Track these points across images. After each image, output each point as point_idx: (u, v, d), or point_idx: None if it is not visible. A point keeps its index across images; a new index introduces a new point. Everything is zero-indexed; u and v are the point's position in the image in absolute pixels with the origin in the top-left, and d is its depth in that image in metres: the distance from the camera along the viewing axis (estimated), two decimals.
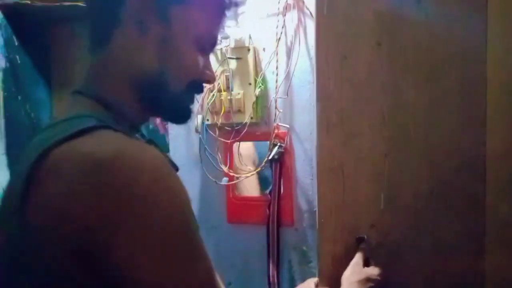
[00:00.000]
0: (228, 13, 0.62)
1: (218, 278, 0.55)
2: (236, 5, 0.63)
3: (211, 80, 0.63)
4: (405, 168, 0.83)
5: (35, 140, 0.51)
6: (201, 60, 0.60)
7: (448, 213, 0.82)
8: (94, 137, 0.47)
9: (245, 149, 1.27)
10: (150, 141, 0.63)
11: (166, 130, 1.35)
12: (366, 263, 0.83)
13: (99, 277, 0.44)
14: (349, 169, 0.85)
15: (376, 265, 0.82)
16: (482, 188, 0.80)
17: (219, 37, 0.65)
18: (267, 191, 1.18)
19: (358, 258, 0.83)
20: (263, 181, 1.27)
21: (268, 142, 1.14)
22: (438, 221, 0.82)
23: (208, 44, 0.61)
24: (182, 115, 0.63)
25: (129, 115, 0.59)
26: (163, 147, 1.40)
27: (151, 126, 1.40)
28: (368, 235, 0.85)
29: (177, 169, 0.56)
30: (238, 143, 1.20)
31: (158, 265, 0.45)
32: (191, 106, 0.63)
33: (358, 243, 0.84)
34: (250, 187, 1.26)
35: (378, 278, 0.79)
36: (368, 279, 0.79)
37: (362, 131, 0.84)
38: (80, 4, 1.43)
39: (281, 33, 1.11)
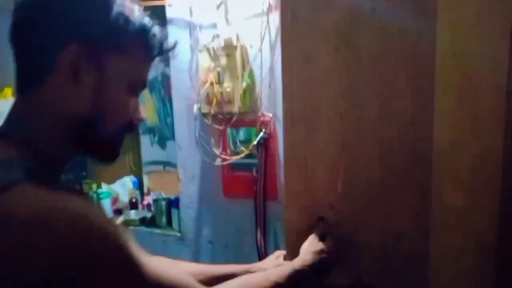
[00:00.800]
0: (157, 59, 0.62)
1: (173, 276, 0.58)
2: (165, 53, 0.62)
3: (140, 120, 0.62)
4: (359, 159, 0.88)
5: None
6: (132, 102, 0.59)
7: (397, 198, 0.86)
8: (17, 195, 0.46)
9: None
10: (74, 190, 0.61)
11: None
12: (323, 239, 0.89)
13: None
14: (311, 160, 0.91)
15: (331, 240, 0.90)
16: (427, 176, 0.85)
17: (147, 79, 0.63)
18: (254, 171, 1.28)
19: (315, 233, 0.88)
20: None
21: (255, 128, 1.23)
22: (388, 205, 0.87)
23: (139, 88, 0.61)
24: (111, 156, 0.61)
25: (57, 156, 0.57)
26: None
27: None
28: (326, 215, 0.92)
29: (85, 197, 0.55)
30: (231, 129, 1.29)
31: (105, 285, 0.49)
32: (120, 147, 0.61)
33: (318, 222, 0.93)
34: None
35: (330, 251, 0.85)
36: (322, 251, 0.84)
37: (322, 127, 0.90)
38: None
39: (265, 31, 1.16)
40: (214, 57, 1.21)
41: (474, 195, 0.82)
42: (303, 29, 0.88)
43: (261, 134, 1.19)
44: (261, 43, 1.16)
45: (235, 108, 1.20)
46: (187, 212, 1.39)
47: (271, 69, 1.17)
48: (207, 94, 1.22)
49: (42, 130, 0.55)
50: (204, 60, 1.23)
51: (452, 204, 0.86)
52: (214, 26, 1.23)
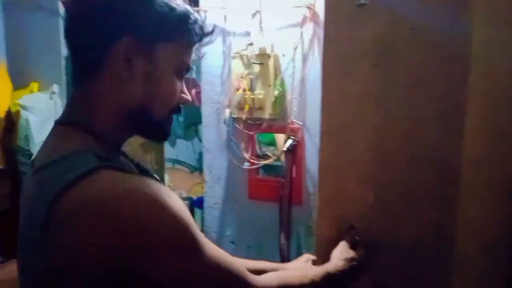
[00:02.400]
0: (199, 43, 0.65)
1: (232, 261, 0.61)
2: (206, 36, 0.65)
3: (187, 101, 0.66)
4: (391, 171, 0.91)
5: (45, 175, 0.53)
6: (179, 86, 0.63)
7: (424, 211, 0.90)
8: (98, 179, 0.50)
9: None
10: (138, 165, 0.66)
11: (200, 103, 1.44)
12: (354, 247, 0.92)
13: (127, 281, 0.52)
14: (344, 170, 0.94)
15: (362, 248, 0.92)
16: (455, 190, 0.88)
17: (191, 63, 0.66)
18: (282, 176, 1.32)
19: (345, 241, 0.91)
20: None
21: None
22: (415, 218, 0.90)
23: (184, 71, 0.64)
24: (163, 136, 0.66)
25: (115, 140, 0.61)
26: (197, 117, 1.51)
27: None
28: (357, 224, 0.96)
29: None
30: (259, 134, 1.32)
31: (168, 262, 0.53)
32: (170, 127, 0.66)
33: (349, 230, 0.97)
34: None
35: (361, 259, 0.88)
36: (353, 259, 0.88)
37: (357, 139, 0.93)
38: None
39: (299, 42, 1.19)
40: (247, 64, 1.24)
41: (495, 208, 0.85)
42: (344, 44, 0.92)
43: (290, 141, 1.23)
44: (294, 53, 1.20)
45: (266, 114, 1.24)
46: (211, 212, 1.43)
47: (303, 79, 1.20)
48: (239, 100, 1.25)
49: (101, 118, 0.58)
50: (237, 67, 1.26)
51: (475, 216, 0.89)
52: (247, 34, 1.26)
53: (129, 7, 0.57)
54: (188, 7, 0.61)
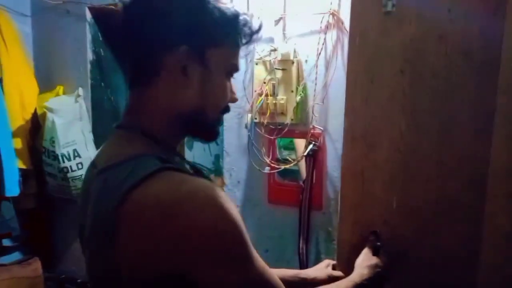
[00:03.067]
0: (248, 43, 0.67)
1: (272, 272, 0.60)
2: (254, 35, 0.66)
3: (235, 100, 0.68)
4: (417, 178, 0.91)
5: (109, 177, 0.56)
6: (229, 86, 0.65)
7: (450, 221, 0.89)
8: (161, 180, 0.52)
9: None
10: (196, 169, 0.69)
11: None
12: (377, 253, 0.92)
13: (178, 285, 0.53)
14: (368, 175, 0.95)
15: (384, 255, 0.92)
16: (480, 200, 0.87)
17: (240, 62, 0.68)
18: (302, 181, 1.32)
19: (369, 248, 0.92)
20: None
21: (305, 140, 1.27)
22: (440, 226, 0.89)
23: (234, 72, 0.66)
24: (214, 136, 0.69)
25: (170, 143, 0.63)
26: None
27: None
28: (380, 230, 0.95)
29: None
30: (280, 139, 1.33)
31: (226, 272, 0.53)
32: (219, 127, 0.69)
33: (371, 236, 0.96)
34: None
35: (385, 266, 0.88)
36: (376, 265, 0.87)
37: (381, 144, 0.93)
38: None
39: (322, 48, 1.20)
40: (270, 70, 1.25)
41: None
42: (370, 51, 0.92)
43: (311, 146, 1.23)
44: (317, 59, 1.20)
45: (288, 119, 1.25)
46: None
47: (325, 85, 1.21)
48: (261, 105, 1.26)
49: (159, 122, 0.61)
50: (260, 72, 1.28)
51: (503, 227, 0.87)
52: (271, 40, 1.28)
53: (183, 17, 0.59)
54: (237, 12, 0.62)
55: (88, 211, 0.59)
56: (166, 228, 0.50)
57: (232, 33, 0.62)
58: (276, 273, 0.93)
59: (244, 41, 0.65)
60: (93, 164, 0.63)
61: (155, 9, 0.59)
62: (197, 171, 0.68)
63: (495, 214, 0.86)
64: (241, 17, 0.62)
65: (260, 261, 0.57)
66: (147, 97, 0.61)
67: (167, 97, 0.61)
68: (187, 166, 0.68)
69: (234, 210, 0.54)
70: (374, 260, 0.90)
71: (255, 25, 0.65)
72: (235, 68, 0.66)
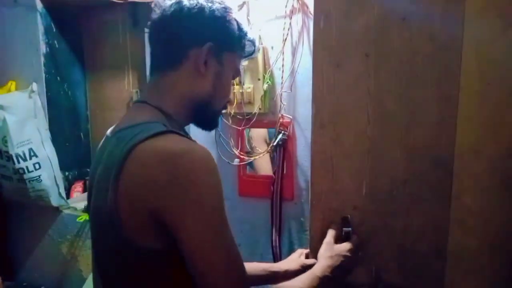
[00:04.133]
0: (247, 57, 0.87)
1: (238, 253, 0.67)
2: (255, 51, 0.88)
3: (231, 101, 0.88)
4: (385, 162, 0.92)
5: (121, 136, 0.68)
6: (231, 87, 0.82)
7: (418, 201, 0.91)
8: (166, 138, 0.64)
9: (259, 133, 1.39)
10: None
11: None
12: (346, 238, 0.93)
13: (162, 232, 0.62)
14: (337, 162, 0.95)
15: (357, 240, 0.93)
16: (448, 179, 0.89)
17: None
18: (272, 171, 1.31)
19: (329, 237, 0.92)
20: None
21: (275, 129, 1.26)
22: (409, 207, 0.91)
23: (236, 76, 0.84)
24: (215, 125, 0.86)
25: (180, 122, 0.76)
26: None
27: None
28: (351, 215, 0.97)
29: None
30: (249, 130, 1.32)
31: (196, 226, 0.61)
32: (219, 119, 0.85)
33: (342, 222, 0.97)
34: (264, 165, 1.39)
35: (348, 254, 0.88)
36: (339, 255, 0.88)
37: (349, 130, 0.93)
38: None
39: (287, 34, 1.19)
40: None
41: (491, 198, 0.87)
42: (334, 35, 0.92)
43: (280, 135, 1.23)
44: (283, 45, 1.19)
45: (255, 109, 1.23)
46: None
47: (292, 71, 1.20)
48: None
49: (172, 102, 0.75)
50: None
51: (470, 206, 0.90)
52: None
53: (212, 21, 0.75)
54: (247, 28, 0.81)
55: (99, 167, 0.70)
56: (160, 173, 0.60)
57: (242, 44, 0.81)
58: (248, 268, 0.94)
59: (245, 54, 0.84)
60: (110, 132, 0.76)
61: (191, 12, 0.74)
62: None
63: (462, 193, 0.89)
64: (250, 35, 0.82)
65: (231, 237, 0.65)
66: (168, 79, 0.75)
67: (185, 82, 0.75)
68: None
69: (219, 179, 0.64)
70: (337, 249, 0.89)
71: (257, 45, 0.86)
72: (237, 72, 0.84)
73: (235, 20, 0.78)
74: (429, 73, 0.88)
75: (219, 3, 0.76)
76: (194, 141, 0.71)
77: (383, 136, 0.92)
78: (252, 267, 0.95)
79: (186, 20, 0.73)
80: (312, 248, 1.00)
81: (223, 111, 0.83)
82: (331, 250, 0.89)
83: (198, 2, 0.74)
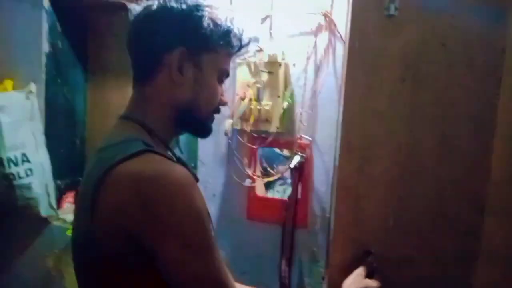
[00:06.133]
0: (237, 53, 0.80)
1: (227, 270, 0.66)
2: (243, 48, 0.80)
3: (225, 103, 0.80)
4: (414, 193, 0.90)
5: (102, 156, 0.68)
6: (219, 89, 0.77)
7: (447, 237, 0.89)
8: (141, 159, 0.63)
9: None
10: (178, 159, 0.78)
11: None
12: (370, 276, 0.89)
13: (141, 255, 0.61)
14: (364, 190, 0.92)
15: (379, 279, 0.89)
16: (479, 218, 0.87)
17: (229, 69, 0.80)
18: (287, 196, 1.28)
19: (361, 269, 0.89)
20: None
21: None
22: (437, 243, 0.90)
23: (224, 77, 0.79)
24: (206, 132, 0.81)
25: (164, 135, 0.74)
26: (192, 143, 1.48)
27: None
28: (375, 249, 0.93)
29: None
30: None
31: (175, 253, 0.60)
32: (211, 126, 0.80)
33: (365, 256, 0.93)
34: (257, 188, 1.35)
35: None
36: None
37: (379, 157, 0.91)
38: (123, 1, 1.50)
39: (312, 52, 1.18)
40: (255, 72, 1.21)
41: None
42: (370, 56, 0.91)
43: (298, 157, 1.19)
44: (307, 63, 1.18)
45: (272, 127, 1.20)
46: None
47: (315, 91, 1.18)
48: (244, 110, 1.21)
49: (154, 115, 0.73)
50: (243, 74, 1.23)
51: (498, 243, 0.88)
52: (256, 39, 1.24)
53: (182, 23, 0.71)
54: (229, 23, 0.75)
55: (81, 187, 0.70)
56: (133, 198, 0.59)
57: (224, 42, 0.74)
58: None
59: (233, 51, 0.77)
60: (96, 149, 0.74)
61: (157, 15, 0.71)
62: (181, 162, 0.73)
63: (491, 231, 0.87)
64: (232, 31, 0.75)
65: (221, 260, 0.63)
66: (147, 92, 0.73)
67: (163, 93, 0.72)
68: (173, 158, 0.75)
69: (201, 200, 0.62)
70: (364, 283, 0.87)
71: (244, 39, 0.78)
72: (226, 73, 0.79)
73: (210, 16, 0.72)
74: (466, 105, 0.87)
75: (188, 3, 0.72)
76: (175, 160, 0.70)
77: (415, 165, 0.90)
78: None
79: (155, 25, 0.71)
80: (330, 282, 0.96)
81: (215, 114, 0.79)
82: (359, 283, 0.87)
83: (166, 4, 0.71)
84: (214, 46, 0.73)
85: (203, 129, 0.80)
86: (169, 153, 0.76)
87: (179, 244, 0.60)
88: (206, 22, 0.71)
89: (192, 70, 0.72)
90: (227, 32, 0.74)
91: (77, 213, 0.72)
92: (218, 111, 0.79)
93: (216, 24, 0.73)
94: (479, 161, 0.88)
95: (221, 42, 0.74)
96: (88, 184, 0.65)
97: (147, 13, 0.72)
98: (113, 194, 0.61)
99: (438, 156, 0.89)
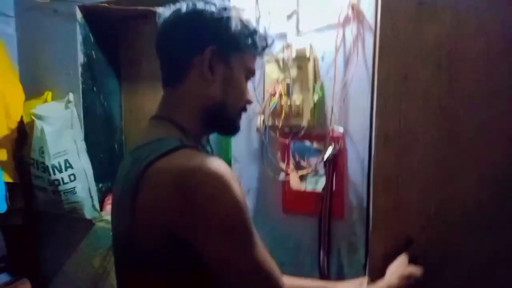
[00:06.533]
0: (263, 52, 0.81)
1: (271, 259, 0.67)
2: (268, 48, 0.81)
3: (250, 102, 0.81)
4: (456, 180, 0.87)
5: (137, 155, 0.68)
6: (246, 87, 0.79)
7: (494, 224, 0.86)
8: (179, 155, 0.63)
9: None
10: (213, 153, 0.80)
11: None
12: (413, 263, 0.87)
13: (182, 252, 0.62)
14: (403, 179, 0.90)
15: (421, 265, 0.86)
16: None
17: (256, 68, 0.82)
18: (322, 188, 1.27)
19: (404, 257, 0.87)
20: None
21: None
22: (483, 230, 0.87)
23: (250, 75, 0.80)
24: (235, 130, 0.82)
25: (195, 133, 0.75)
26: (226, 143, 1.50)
27: None
28: (417, 238, 0.91)
29: None
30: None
31: (220, 244, 0.60)
32: (239, 123, 0.81)
33: (407, 244, 0.91)
34: (292, 181, 1.35)
35: (419, 277, 0.83)
36: (409, 277, 0.83)
37: (418, 145, 0.89)
38: (152, 9, 1.53)
39: (340, 44, 1.16)
40: (284, 68, 1.21)
41: None
42: (403, 43, 0.88)
43: (331, 149, 1.19)
44: (336, 55, 1.16)
45: (304, 121, 1.20)
46: None
47: (345, 83, 1.17)
48: (275, 106, 1.21)
49: (185, 114, 0.74)
50: (272, 71, 1.23)
51: None
52: (283, 36, 1.23)
53: (212, 25, 0.73)
54: (255, 25, 0.77)
55: (119, 187, 0.70)
56: (173, 193, 0.59)
57: (251, 42, 0.76)
58: (303, 284, 0.90)
59: (260, 50, 0.79)
60: (129, 150, 0.74)
61: (187, 17, 0.73)
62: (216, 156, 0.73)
63: None
64: (259, 31, 0.78)
65: (262, 247, 0.64)
66: (178, 92, 0.74)
67: (195, 92, 0.74)
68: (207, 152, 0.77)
69: (239, 190, 0.62)
70: (409, 270, 0.86)
71: (269, 39, 0.81)
72: (252, 72, 0.80)
73: (237, 17, 0.75)
74: (506, 92, 0.83)
75: (217, 4, 0.74)
76: (211, 154, 0.71)
77: (455, 151, 0.87)
78: (305, 283, 0.93)
79: (185, 28, 0.73)
80: (371, 272, 0.94)
81: (243, 112, 0.80)
82: (403, 270, 0.85)
83: (195, 7, 0.73)
84: (242, 46, 0.75)
85: (232, 127, 0.80)
86: (202, 148, 0.77)
87: (224, 235, 0.60)
88: (234, 22, 0.73)
89: (222, 68, 0.74)
90: (253, 32, 0.76)
91: (116, 214, 0.72)
92: (245, 109, 0.80)
93: (243, 25, 0.75)
94: None
95: (249, 43, 0.76)
96: (126, 184, 0.66)
97: (177, 15, 0.74)
98: (154, 191, 0.61)
99: (480, 139, 0.86)
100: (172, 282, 0.65)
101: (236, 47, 0.75)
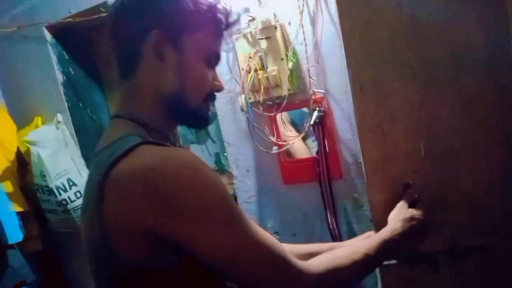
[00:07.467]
0: (226, 32, 0.71)
1: (265, 234, 0.61)
2: (232, 25, 0.71)
3: (220, 89, 0.72)
4: (439, 116, 0.84)
5: (98, 159, 0.63)
6: (210, 74, 0.69)
7: (484, 150, 0.83)
8: (139, 152, 0.58)
9: (282, 117, 1.32)
10: (180, 147, 0.74)
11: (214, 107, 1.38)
12: (413, 206, 0.85)
13: (169, 252, 0.58)
14: (388, 126, 0.87)
15: (422, 207, 0.85)
16: None
17: (221, 52, 0.72)
18: (315, 152, 1.25)
19: (403, 202, 0.85)
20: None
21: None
22: (475, 159, 0.84)
23: (214, 60, 0.70)
24: (202, 123, 0.73)
25: (159, 128, 0.68)
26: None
27: None
28: (413, 181, 0.89)
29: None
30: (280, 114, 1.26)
31: (202, 230, 0.56)
32: (209, 113, 0.72)
33: (405, 189, 0.89)
34: (301, 149, 1.33)
35: (421, 217, 0.82)
36: (412, 218, 0.81)
37: (394, 89, 0.86)
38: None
39: (303, 4, 1.12)
40: (253, 42, 1.17)
41: None
42: None
43: (316, 113, 1.16)
44: (301, 18, 1.12)
45: (284, 91, 1.17)
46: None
47: (316, 43, 1.13)
48: (252, 82, 1.18)
49: (143, 108, 0.67)
50: (243, 47, 1.19)
51: None
52: (246, 10, 1.19)
53: (155, 4, 0.65)
54: (212, 0, 0.67)
55: (84, 194, 0.66)
56: (142, 194, 0.55)
57: (206, 21, 0.66)
58: (308, 249, 0.89)
59: (220, 29, 0.69)
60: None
61: (127, 2, 0.66)
62: (182, 148, 0.72)
63: None
64: (215, 7, 0.67)
65: (254, 228, 0.59)
66: (133, 86, 0.68)
67: (147, 82, 0.67)
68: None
69: (211, 174, 0.58)
70: (409, 212, 0.83)
71: (231, 15, 0.70)
72: (215, 56, 0.70)
73: None
74: (471, 6, 0.79)
75: None
76: (174, 146, 0.66)
77: (433, 87, 0.84)
78: (316, 248, 0.92)
79: (128, 12, 0.66)
80: (376, 223, 0.93)
81: (211, 102, 0.72)
82: (404, 213, 0.82)
83: None
84: (195, 27, 0.65)
85: (197, 119, 0.72)
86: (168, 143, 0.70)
87: (204, 221, 0.56)
88: (181, 1, 0.64)
89: (173, 53, 0.65)
90: (209, 10, 0.66)
91: (84, 225, 0.64)
92: (212, 98, 0.71)
93: (195, 2, 0.65)
94: (499, 65, 0.80)
95: (204, 21, 0.66)
96: (90, 191, 0.61)
97: (120, 2, 0.67)
98: (119, 195, 0.56)
99: (455, 69, 0.82)
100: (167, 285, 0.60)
101: (187, 28, 0.65)
